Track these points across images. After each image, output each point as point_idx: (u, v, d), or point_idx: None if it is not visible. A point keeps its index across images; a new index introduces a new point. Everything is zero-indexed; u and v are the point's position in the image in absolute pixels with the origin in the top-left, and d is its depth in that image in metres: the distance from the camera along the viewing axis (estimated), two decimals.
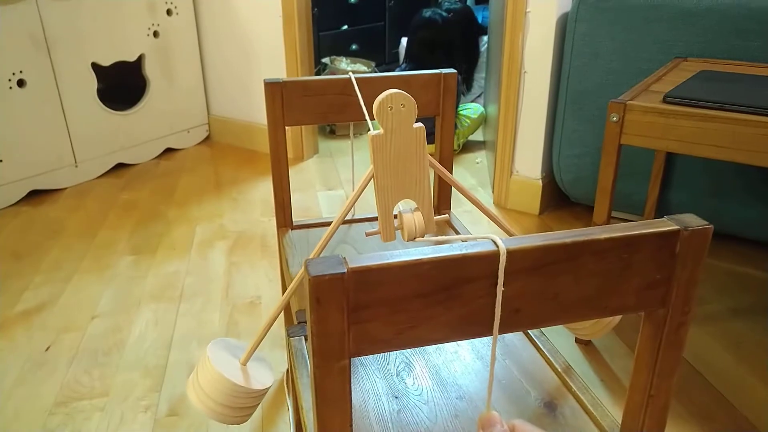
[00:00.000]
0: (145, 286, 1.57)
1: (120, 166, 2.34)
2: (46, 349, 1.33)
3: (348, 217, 1.16)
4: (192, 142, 2.59)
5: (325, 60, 2.82)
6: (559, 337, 1.36)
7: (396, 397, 0.72)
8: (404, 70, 2.71)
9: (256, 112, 2.49)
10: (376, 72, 2.86)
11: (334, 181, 2.23)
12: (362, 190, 0.69)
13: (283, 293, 1.18)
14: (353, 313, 0.45)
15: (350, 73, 1.02)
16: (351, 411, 0.49)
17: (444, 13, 2.84)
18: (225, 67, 2.50)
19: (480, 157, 2.47)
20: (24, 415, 1.14)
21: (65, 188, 2.16)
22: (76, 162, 2.17)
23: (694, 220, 0.50)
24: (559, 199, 1.99)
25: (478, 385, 0.74)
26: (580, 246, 0.48)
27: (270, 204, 2.04)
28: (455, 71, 1.08)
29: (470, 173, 2.31)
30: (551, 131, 1.90)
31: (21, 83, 1.97)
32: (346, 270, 0.44)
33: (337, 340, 0.45)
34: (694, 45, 1.51)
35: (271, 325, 0.75)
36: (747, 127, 1.01)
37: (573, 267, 0.49)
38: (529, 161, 1.94)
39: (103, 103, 2.22)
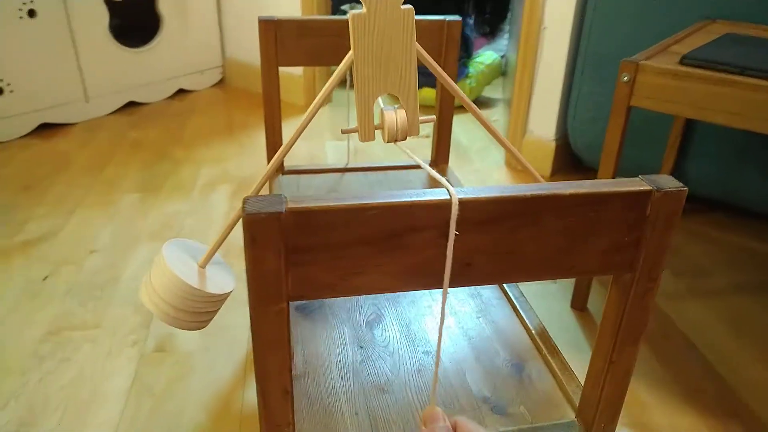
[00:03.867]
0: (145, 224, 1.58)
1: (131, 105, 2.33)
2: (44, 279, 1.35)
3: (341, 165, 1.13)
4: (205, 84, 2.56)
5: (345, 7, 2.74)
6: (555, 301, 1.33)
7: (361, 347, 0.70)
8: None
9: None
10: None
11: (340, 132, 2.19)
12: (339, 79, 0.63)
13: None
14: (292, 255, 0.43)
15: (349, 13, 0.98)
16: (290, 354, 0.48)
17: None
18: (242, 8, 2.44)
19: (497, 115, 2.41)
20: (16, 341, 1.17)
21: (76, 123, 2.16)
22: (87, 97, 2.17)
23: (668, 181, 0.47)
24: (572, 162, 1.94)
25: (448, 343, 0.72)
26: (541, 201, 0.45)
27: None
28: (460, 19, 1.03)
29: (483, 131, 2.26)
30: (568, 92, 1.83)
31: (32, 13, 1.95)
32: (284, 209, 0.42)
33: (274, 283, 0.44)
34: (725, 6, 1.43)
35: (231, 229, 0.71)
36: (764, 94, 0.95)
37: (532, 223, 0.46)
38: (544, 122, 1.88)
39: (116, 40, 2.19)
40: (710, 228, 1.62)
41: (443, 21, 1.02)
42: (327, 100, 2.45)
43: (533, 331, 0.73)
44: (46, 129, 2.08)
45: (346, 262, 0.44)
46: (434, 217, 0.44)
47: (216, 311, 0.71)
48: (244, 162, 1.93)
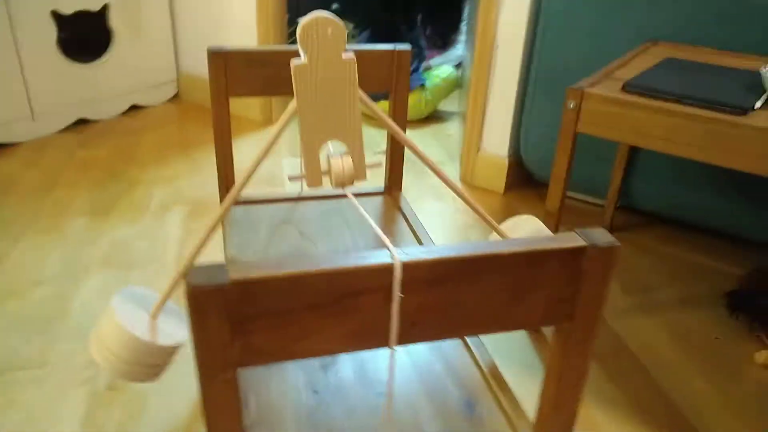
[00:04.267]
0: (95, 250, 1.54)
1: (81, 122, 2.26)
2: None
3: (287, 196, 1.13)
4: (159, 100, 2.52)
5: (300, 19, 2.73)
6: None
7: (315, 392, 0.70)
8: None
9: None
10: (354, 35, 2.79)
11: (298, 148, 2.18)
12: (283, 128, 0.64)
13: None
14: (237, 324, 0.43)
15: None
16: (241, 418, 0.47)
17: None
18: (197, 21, 2.41)
19: (452, 129, 2.44)
20: None
21: (21, 142, 2.09)
22: (33, 115, 2.10)
23: (602, 237, 0.49)
24: (525, 178, 1.98)
25: (401, 381, 0.73)
26: (482, 260, 0.46)
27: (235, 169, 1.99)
28: (409, 48, 1.04)
29: (440, 145, 2.28)
30: (521, 109, 1.87)
31: None
32: (227, 281, 0.41)
33: (220, 352, 0.44)
34: (668, 28, 1.48)
35: (182, 277, 0.71)
36: (700, 123, 1.00)
37: (475, 281, 0.47)
38: (497, 138, 1.92)
39: (65, 54, 2.13)
40: (657, 242, 1.68)
41: (393, 51, 1.03)
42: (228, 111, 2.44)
43: (484, 367, 0.75)
44: None
45: (292, 328, 0.45)
46: (378, 279, 0.45)
47: (169, 361, 0.70)
48: (197, 181, 1.90)
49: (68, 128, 2.22)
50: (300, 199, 1.12)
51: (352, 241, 1.00)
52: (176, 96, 2.58)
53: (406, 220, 1.07)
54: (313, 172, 0.64)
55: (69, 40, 2.16)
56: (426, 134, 2.38)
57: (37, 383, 1.13)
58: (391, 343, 0.47)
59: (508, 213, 1.82)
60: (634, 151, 1.63)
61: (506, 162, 1.91)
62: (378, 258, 0.45)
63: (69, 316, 1.30)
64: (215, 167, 1.98)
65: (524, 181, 1.99)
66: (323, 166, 0.64)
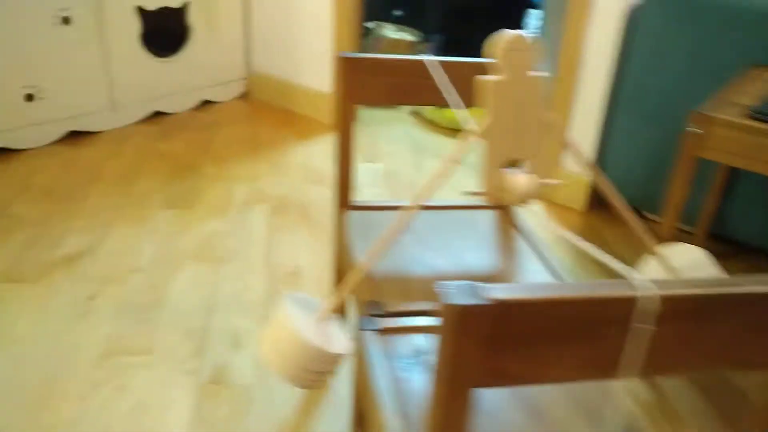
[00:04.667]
0: (185, 242, 1.56)
1: (157, 114, 2.30)
2: (89, 299, 1.33)
3: (404, 203, 1.13)
4: (229, 96, 2.55)
5: (370, 24, 2.75)
6: None
7: None
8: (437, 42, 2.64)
9: (298, 72, 2.44)
10: (421, 42, 2.79)
11: (373, 154, 2.19)
12: (467, 147, 0.63)
13: (337, 275, 1.17)
14: (489, 345, 0.43)
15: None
16: None
17: None
18: (270, 22, 2.44)
19: None
20: (70, 364, 1.15)
21: (102, 132, 2.13)
22: (114, 106, 2.14)
23: None
24: (605, 198, 1.96)
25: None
26: (739, 297, 0.46)
27: (310, 170, 2.01)
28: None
29: None
30: (605, 127, 1.85)
31: (66, 20, 1.93)
32: (487, 301, 0.42)
33: (467, 371, 0.44)
34: None
35: (350, 287, 0.71)
36: None
37: (721, 318, 0.47)
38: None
39: (146, 49, 2.17)
40: (753, 272, 1.65)
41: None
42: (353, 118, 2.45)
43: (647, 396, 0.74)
44: (73, 137, 2.06)
45: (538, 352, 0.45)
46: (625, 309, 0.44)
47: (333, 371, 0.71)
48: (277, 181, 1.92)
49: (145, 120, 2.26)
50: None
51: (474, 255, 1.00)
52: (245, 94, 2.61)
53: (526, 237, 1.07)
54: (493, 189, 0.64)
55: (150, 34, 2.20)
56: None
57: (145, 369, 1.15)
58: (631, 375, 0.47)
59: (589, 232, 1.81)
60: (733, 177, 1.60)
61: (587, 180, 1.89)
62: (631, 288, 0.45)
63: (167, 306, 1.33)
64: (292, 169, 2.01)
65: (605, 201, 1.97)
66: (499, 182, 0.64)
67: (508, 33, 0.57)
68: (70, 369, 1.14)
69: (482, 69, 1.02)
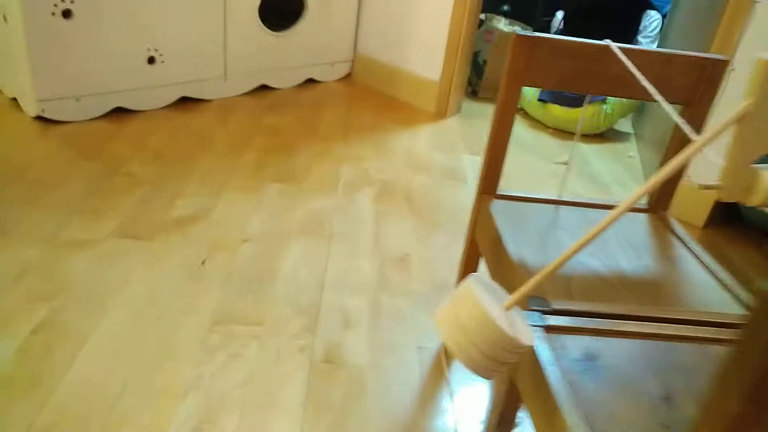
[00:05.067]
0: (294, 218, 1.53)
1: (263, 88, 2.30)
2: (202, 263, 1.31)
3: (553, 197, 1.05)
4: (333, 77, 2.53)
5: (481, 16, 2.66)
6: None
7: (667, 427, 0.62)
8: None
9: (405, 58, 2.38)
10: None
11: (478, 146, 2.12)
12: (722, 131, 0.54)
13: (467, 261, 1.10)
14: None
15: (608, 42, 0.90)
16: None
17: None
18: (384, 4, 2.39)
19: (632, 152, 2.30)
20: (184, 328, 1.13)
21: (212, 100, 2.15)
22: (225, 75, 2.15)
23: None
24: (731, 215, 1.82)
25: None
26: None
27: (414, 157, 1.96)
28: (727, 59, 0.94)
29: (622, 167, 2.15)
30: None
31: None
32: None
33: None
34: None
35: (551, 273, 0.63)
36: None
37: None
38: (704, 166, 1.76)
39: (262, 21, 2.17)
40: None
41: (707, 59, 0.93)
42: (456, 110, 2.38)
43: None
44: (185, 102, 2.07)
45: None
46: None
47: (514, 362, 0.64)
48: (382, 165, 1.87)
49: (252, 92, 2.26)
50: (560, 202, 1.04)
51: (630, 258, 0.91)
52: (348, 75, 2.58)
53: (686, 245, 0.97)
54: (737, 183, 0.56)
55: (268, 8, 2.19)
56: (604, 152, 2.25)
57: (257, 341, 1.12)
58: None
59: (710, 249, 1.67)
60: None
61: (713, 194, 1.75)
62: None
63: (277, 279, 1.30)
64: (397, 155, 1.96)
65: (728, 218, 1.82)
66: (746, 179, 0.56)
67: None
68: (184, 331, 1.12)
69: (665, 59, 0.93)
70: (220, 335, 1.12)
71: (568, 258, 0.63)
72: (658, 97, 0.75)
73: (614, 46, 0.87)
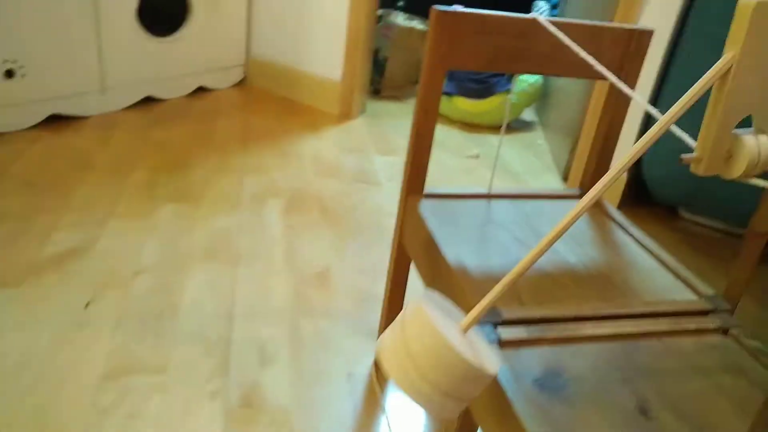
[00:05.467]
0: (194, 240, 1.35)
1: (148, 100, 2.08)
2: (86, 306, 1.11)
3: (483, 192, 0.96)
4: (226, 83, 2.34)
5: (379, 12, 2.57)
6: None
7: None
8: None
9: (303, 58, 2.24)
10: None
11: (388, 146, 2.02)
12: (700, 94, 0.45)
13: (396, 270, 0.99)
14: None
15: (535, 14, 0.82)
16: None
17: None
18: (276, 4, 2.24)
19: (540, 140, 2.28)
20: (70, 385, 0.93)
21: (89, 117, 1.90)
22: (103, 88, 1.91)
23: None
24: (639, 195, 1.82)
25: None
26: None
27: (323, 162, 1.82)
28: (653, 30, 0.88)
29: (532, 155, 2.12)
30: (647, 122, 1.71)
31: None
32: None
33: None
34: None
35: (510, 284, 0.51)
36: None
37: None
38: (617, 153, 1.76)
39: (143, 26, 1.96)
40: None
41: (633, 30, 0.87)
42: (360, 110, 2.27)
43: None
44: (55, 121, 1.82)
45: None
46: None
47: (477, 395, 0.52)
48: (289, 174, 1.73)
49: (136, 105, 2.04)
50: (490, 196, 0.95)
51: (576, 251, 0.83)
52: (243, 81, 2.41)
53: (625, 230, 0.91)
54: (717, 154, 0.47)
55: (147, 10, 1.98)
56: (512, 142, 2.22)
57: (160, 393, 0.94)
58: None
59: None
60: None
61: (624, 177, 1.75)
62: None
63: (180, 314, 1.12)
64: (305, 159, 1.82)
65: (639, 199, 1.83)
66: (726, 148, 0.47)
67: None
68: (68, 394, 0.93)
69: (594, 32, 0.86)
70: (113, 392, 0.94)
71: (528, 267, 0.52)
72: (598, 67, 0.67)
73: (542, 19, 0.78)
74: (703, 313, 0.73)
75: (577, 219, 0.51)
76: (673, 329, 0.69)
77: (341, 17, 2.09)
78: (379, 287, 1.27)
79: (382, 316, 1.08)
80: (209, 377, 0.99)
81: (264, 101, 2.27)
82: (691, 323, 0.71)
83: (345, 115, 2.22)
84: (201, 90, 2.26)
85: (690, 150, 0.50)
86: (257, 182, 1.65)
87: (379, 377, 1.03)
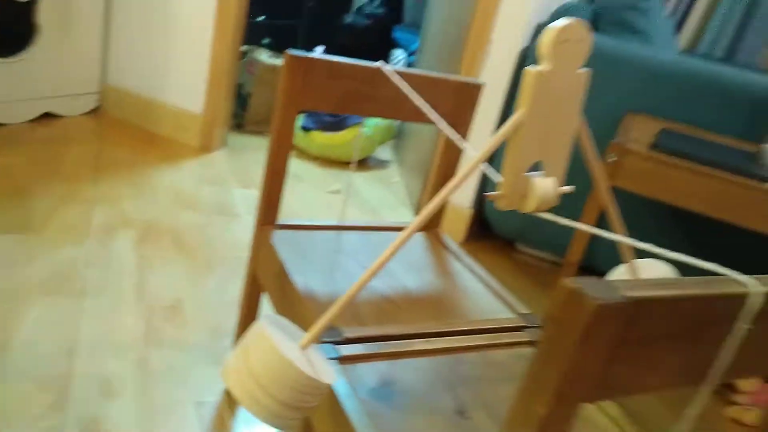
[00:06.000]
0: (33, 273, 1.27)
1: None
2: None
3: (334, 223, 1.02)
4: (78, 111, 2.23)
5: (243, 48, 2.61)
6: None
7: None
8: None
9: (164, 89, 2.21)
10: None
11: (248, 179, 2.03)
12: (500, 142, 0.54)
13: (249, 299, 1.01)
14: (613, 350, 0.35)
15: (380, 64, 0.91)
16: None
17: (365, 19, 2.80)
18: (135, 31, 2.19)
19: (396, 177, 2.43)
20: None
21: None
22: None
23: None
24: (482, 229, 2.00)
25: None
26: None
27: (180, 194, 1.80)
28: (483, 83, 1.01)
29: (388, 192, 2.25)
30: (488, 164, 1.90)
31: None
32: (622, 299, 0.34)
33: (588, 381, 0.35)
34: (647, 102, 1.60)
35: (345, 305, 0.57)
36: (737, 188, 1.07)
37: None
38: (461, 190, 1.93)
39: None
40: None
41: (469, 84, 1.00)
42: (222, 144, 2.27)
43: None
44: None
45: (650, 356, 0.37)
46: (731, 308, 0.39)
47: (314, 407, 0.57)
48: (143, 205, 1.68)
49: None
50: (342, 227, 1.02)
51: (413, 277, 0.91)
52: (96, 109, 2.31)
53: (459, 259, 1.01)
54: (515, 193, 0.57)
55: None
56: (370, 179, 2.34)
57: None
58: (721, 380, 0.41)
59: None
60: (601, 214, 1.71)
61: (469, 213, 1.92)
62: (741, 286, 0.39)
63: (11, 351, 1.05)
64: (159, 190, 1.78)
65: (483, 233, 2.01)
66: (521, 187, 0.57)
67: (563, 22, 0.51)
68: None
69: (432, 82, 0.97)
70: None
71: (359, 289, 0.58)
72: (433, 116, 0.76)
73: (387, 67, 0.88)
74: (518, 329, 0.84)
75: (401, 245, 0.58)
76: (492, 343, 0.79)
77: (204, 50, 2.10)
78: (234, 319, 1.28)
79: (234, 346, 1.10)
80: (43, 414, 0.94)
81: (120, 131, 2.19)
82: (507, 338, 0.81)
83: (205, 148, 2.20)
84: (48, 116, 2.13)
85: None
86: (108, 213, 1.59)
87: (229, 404, 1.04)
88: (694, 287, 0.38)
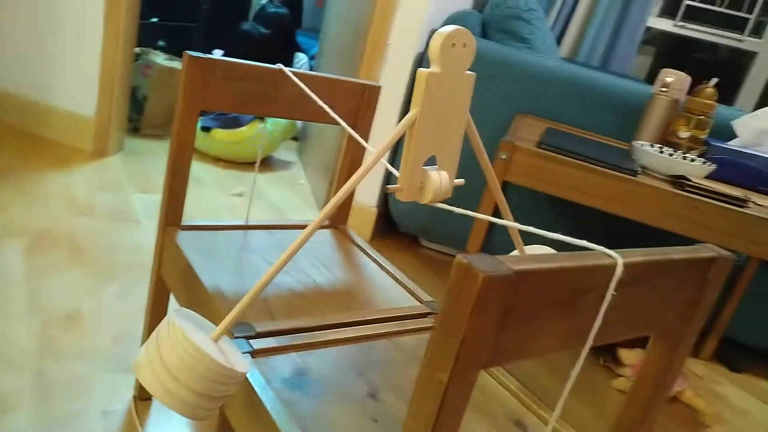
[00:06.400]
0: None
1: None
2: None
3: (240, 223, 1.03)
4: None
5: (136, 50, 2.51)
6: None
7: (375, 420, 0.65)
8: None
9: (52, 92, 2.09)
10: None
11: (147, 184, 1.97)
12: (397, 138, 0.59)
13: (155, 302, 1.00)
14: (501, 319, 0.40)
15: (281, 65, 0.93)
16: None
17: (263, 28, 2.79)
18: (19, 32, 2.06)
19: (302, 179, 2.44)
20: None
21: None
22: None
23: (723, 251, 0.57)
24: (387, 226, 2.06)
25: None
26: (667, 264, 0.50)
27: (74, 201, 1.71)
28: (381, 85, 1.06)
29: (293, 193, 2.26)
30: (391, 162, 1.96)
31: None
32: (509, 271, 0.39)
33: (482, 350, 0.40)
34: (533, 104, 1.72)
35: (255, 297, 0.59)
36: (605, 179, 1.19)
37: (654, 285, 0.51)
38: (366, 189, 1.97)
39: None
40: None
41: (365, 85, 1.04)
42: (119, 148, 2.18)
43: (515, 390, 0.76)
44: None
45: (536, 324, 0.43)
46: (601, 278, 0.46)
47: (229, 396, 0.58)
48: (33, 212, 1.59)
49: None
50: (248, 227, 1.03)
51: (321, 272, 0.94)
52: None
53: (366, 253, 1.05)
54: (413, 185, 0.61)
55: None
56: (275, 180, 2.34)
57: None
58: (589, 343, 0.47)
59: None
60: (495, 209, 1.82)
61: (374, 212, 1.97)
62: (610, 258, 0.46)
63: None
64: (52, 198, 1.68)
65: (389, 230, 2.07)
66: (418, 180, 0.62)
67: (450, 28, 0.56)
68: None
69: (331, 83, 1.00)
70: None
71: (269, 281, 0.61)
72: (333, 115, 0.79)
73: (287, 70, 0.90)
74: (423, 315, 0.89)
75: (307, 239, 0.61)
76: (399, 329, 0.84)
77: (95, 51, 2.01)
78: (139, 325, 1.25)
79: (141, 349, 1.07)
80: None
81: (3, 136, 2.04)
82: (413, 324, 0.86)
83: (100, 153, 2.11)
84: None
85: None
86: None
87: (138, 410, 1.01)
88: (570, 260, 0.43)
